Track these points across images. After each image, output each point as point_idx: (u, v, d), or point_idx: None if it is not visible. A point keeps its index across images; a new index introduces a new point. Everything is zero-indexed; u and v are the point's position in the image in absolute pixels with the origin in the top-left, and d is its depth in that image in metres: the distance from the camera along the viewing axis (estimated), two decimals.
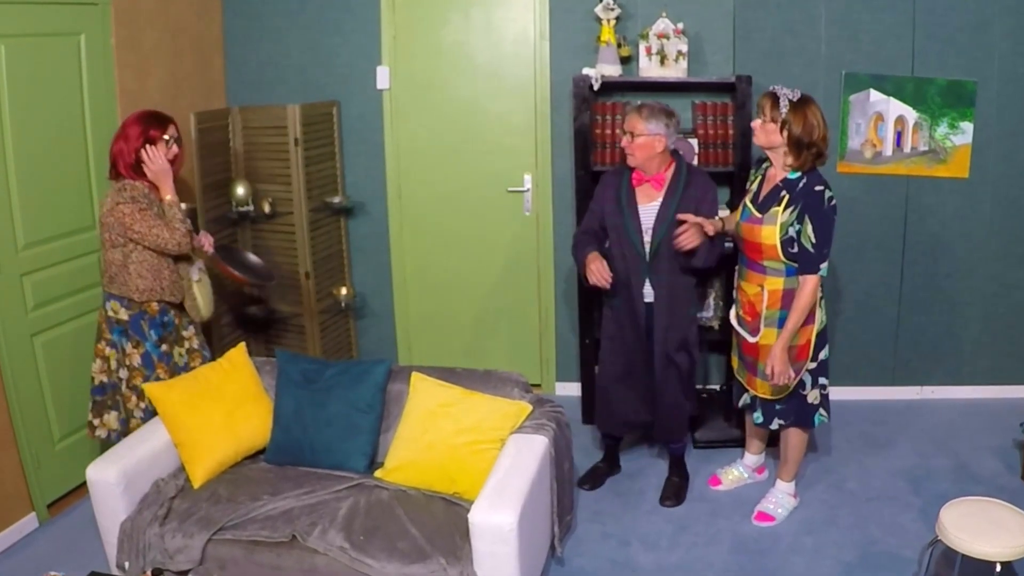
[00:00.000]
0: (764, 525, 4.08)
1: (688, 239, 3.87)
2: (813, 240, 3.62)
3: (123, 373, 3.96)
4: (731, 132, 4.81)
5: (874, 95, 4.89)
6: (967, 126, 4.90)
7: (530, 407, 3.70)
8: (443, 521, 3.38)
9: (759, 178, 3.88)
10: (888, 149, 4.96)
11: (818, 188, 3.64)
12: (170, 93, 4.86)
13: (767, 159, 3.84)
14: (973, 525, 3.13)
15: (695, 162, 4.83)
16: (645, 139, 3.98)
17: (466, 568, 3.16)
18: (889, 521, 4.06)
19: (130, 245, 3.84)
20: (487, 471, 3.40)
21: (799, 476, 4.27)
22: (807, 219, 3.61)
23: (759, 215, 3.74)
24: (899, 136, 4.93)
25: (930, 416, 5.11)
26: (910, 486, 4.35)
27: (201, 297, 4.14)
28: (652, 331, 4.16)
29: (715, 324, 5.06)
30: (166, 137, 3.89)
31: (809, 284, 3.66)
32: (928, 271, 5.14)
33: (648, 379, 4.23)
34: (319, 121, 5.12)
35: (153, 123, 3.89)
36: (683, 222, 3.90)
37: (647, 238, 4.06)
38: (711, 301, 5.05)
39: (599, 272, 4.01)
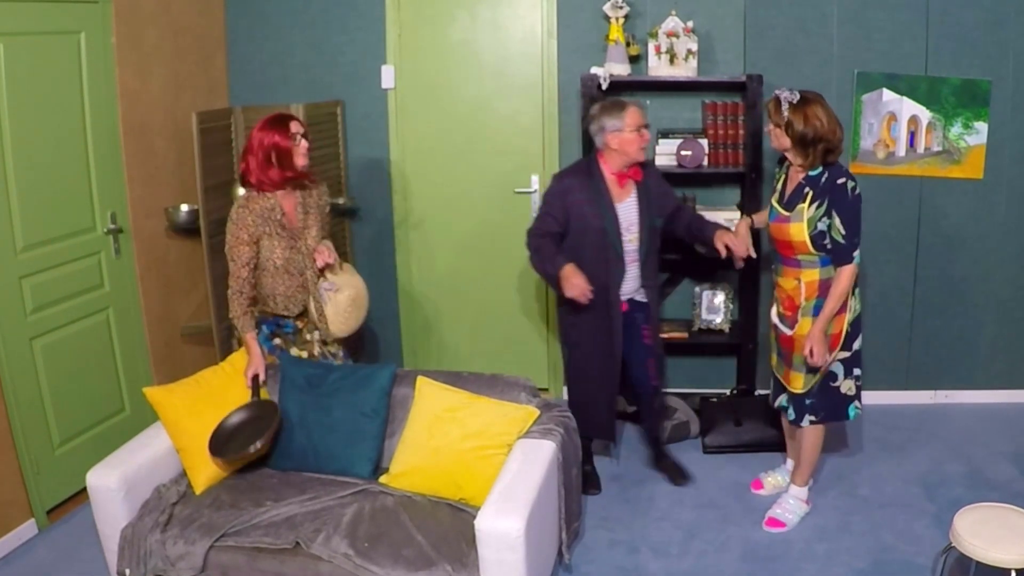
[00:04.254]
0: (775, 531, 4.03)
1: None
2: (843, 232, 3.68)
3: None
4: (742, 132, 4.77)
5: (887, 94, 4.83)
6: (981, 126, 4.84)
7: (537, 412, 3.66)
8: (449, 528, 3.34)
9: (783, 176, 3.92)
10: (901, 149, 4.91)
11: (840, 181, 3.69)
12: (172, 92, 4.83)
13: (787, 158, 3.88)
14: (988, 532, 3.08)
15: (705, 163, 4.78)
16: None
17: (472, 575, 3.11)
18: (902, 528, 4.01)
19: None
20: (494, 477, 3.36)
21: (814, 480, 4.21)
22: (834, 213, 3.68)
23: (787, 213, 3.79)
24: (912, 136, 4.88)
25: (944, 421, 5.06)
26: (924, 492, 4.30)
27: (330, 316, 4.10)
28: (635, 328, 4.20)
29: (725, 328, 5.01)
30: (292, 132, 3.87)
31: (845, 273, 3.74)
32: (942, 273, 5.08)
33: (616, 378, 4.26)
34: (323, 121, 5.07)
35: (276, 127, 3.85)
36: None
37: (630, 236, 4.08)
38: (721, 304, 5.00)
39: (582, 287, 3.90)
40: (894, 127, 4.87)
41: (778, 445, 4.60)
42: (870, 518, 4.08)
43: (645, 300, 4.23)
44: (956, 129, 4.85)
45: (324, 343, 4.16)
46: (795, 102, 3.66)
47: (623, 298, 4.15)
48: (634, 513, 4.22)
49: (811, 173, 3.74)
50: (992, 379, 5.24)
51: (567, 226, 4.05)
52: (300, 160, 3.88)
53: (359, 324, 4.23)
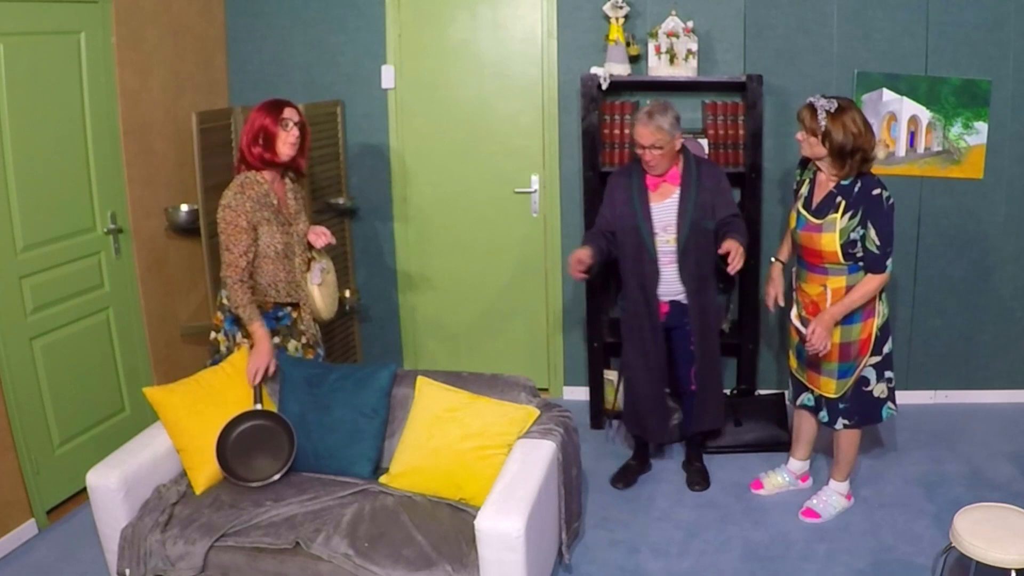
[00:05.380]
0: (809, 521, 4.07)
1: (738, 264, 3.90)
2: (877, 243, 3.66)
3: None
4: (742, 132, 4.76)
5: (887, 95, 4.83)
6: (981, 126, 4.83)
7: (537, 412, 3.65)
8: (449, 528, 3.34)
9: (807, 181, 3.87)
10: (901, 150, 4.90)
11: (875, 192, 3.64)
12: (172, 92, 4.83)
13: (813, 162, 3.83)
14: (988, 532, 3.08)
15: None
16: (669, 146, 3.94)
17: (472, 575, 3.11)
18: (902, 528, 4.00)
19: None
20: (494, 477, 3.36)
21: (851, 478, 4.20)
22: (869, 224, 3.64)
23: (817, 222, 3.73)
24: (912, 136, 4.88)
25: (944, 421, 5.05)
26: (924, 492, 4.29)
27: (320, 299, 4.11)
28: (678, 328, 4.20)
29: (725, 327, 5.01)
30: (283, 118, 3.82)
31: (876, 280, 3.72)
32: (942, 273, 5.08)
33: (661, 378, 4.27)
34: (323, 121, 5.07)
35: (270, 111, 3.81)
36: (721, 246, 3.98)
37: (667, 236, 4.05)
38: (721, 304, 4.99)
39: (571, 263, 3.98)
40: (894, 127, 4.87)
41: (778, 445, 4.60)
42: (870, 518, 4.08)
43: (687, 303, 4.16)
44: (956, 129, 4.85)
45: (316, 340, 4.20)
46: (832, 111, 3.58)
47: (665, 299, 4.15)
48: (634, 513, 4.21)
49: (843, 181, 3.69)
50: (992, 379, 5.23)
51: (615, 226, 4.12)
52: (285, 148, 3.82)
53: None
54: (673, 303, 4.17)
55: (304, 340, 4.13)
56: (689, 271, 4.10)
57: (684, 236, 4.04)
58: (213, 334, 4.08)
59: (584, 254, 3.98)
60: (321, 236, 4.06)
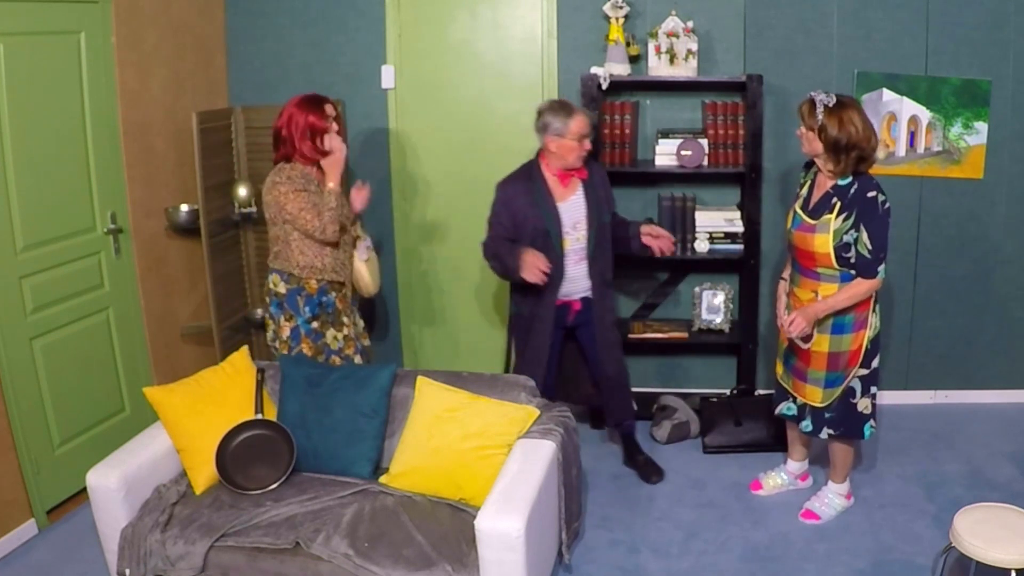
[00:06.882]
0: (809, 523, 4.07)
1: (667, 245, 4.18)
2: (869, 247, 3.62)
3: (277, 345, 4.08)
4: (741, 132, 4.76)
5: (887, 95, 4.83)
6: (981, 126, 4.83)
7: (537, 412, 3.65)
8: (449, 528, 3.34)
9: (808, 182, 3.85)
10: (901, 150, 4.90)
11: (871, 194, 3.61)
12: (172, 92, 4.83)
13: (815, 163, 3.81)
14: (988, 532, 3.08)
15: (705, 163, 4.78)
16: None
17: (472, 575, 3.11)
18: (902, 528, 4.00)
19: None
20: (494, 477, 3.36)
21: (849, 479, 4.19)
22: (862, 227, 3.61)
23: (812, 222, 3.71)
24: (912, 136, 4.88)
25: (944, 421, 5.05)
26: (924, 492, 4.29)
27: (368, 274, 4.25)
28: (584, 326, 4.29)
29: (725, 328, 5.00)
30: (328, 114, 3.97)
31: (866, 283, 3.68)
32: (942, 274, 5.08)
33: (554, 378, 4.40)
34: None
35: (313, 108, 3.95)
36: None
37: (577, 234, 4.12)
38: (721, 304, 5.00)
39: (536, 263, 3.97)
40: (894, 127, 4.87)
41: (778, 445, 4.60)
42: (870, 518, 4.08)
43: (593, 298, 4.26)
44: (956, 129, 4.85)
45: (358, 334, 4.28)
46: (831, 105, 3.57)
47: (576, 297, 4.22)
48: (634, 513, 4.21)
49: (840, 182, 3.66)
50: (992, 379, 5.23)
51: (517, 234, 4.14)
52: (330, 141, 3.97)
53: None
54: (584, 300, 4.24)
55: (345, 332, 4.18)
56: (598, 266, 4.20)
57: (594, 230, 4.13)
58: (268, 320, 4.18)
59: (540, 256, 4.01)
60: (360, 191, 4.20)
